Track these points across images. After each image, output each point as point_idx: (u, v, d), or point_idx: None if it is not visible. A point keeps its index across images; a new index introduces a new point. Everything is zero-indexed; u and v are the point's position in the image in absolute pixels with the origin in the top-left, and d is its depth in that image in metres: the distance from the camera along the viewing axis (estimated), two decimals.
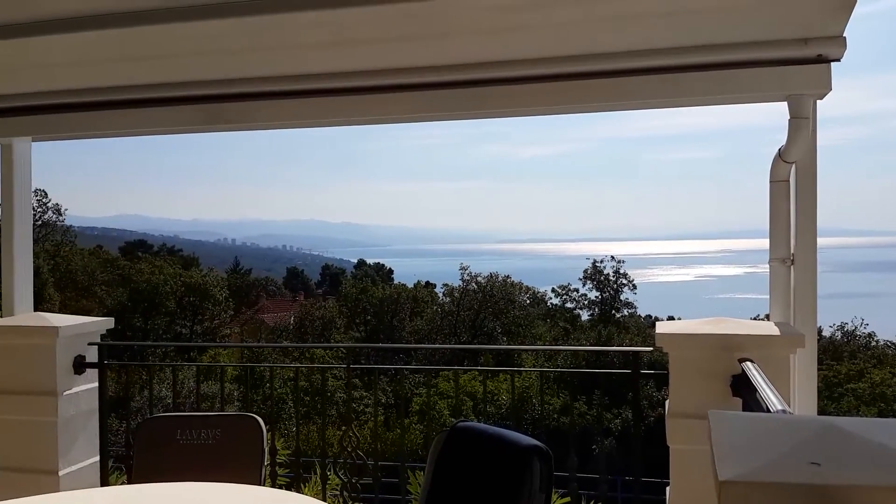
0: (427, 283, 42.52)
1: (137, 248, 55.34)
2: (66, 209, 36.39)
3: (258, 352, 21.99)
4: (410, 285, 40.31)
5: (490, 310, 33.68)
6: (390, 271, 62.97)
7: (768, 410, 2.39)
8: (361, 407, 23.23)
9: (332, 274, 70.70)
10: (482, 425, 2.91)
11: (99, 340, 4.18)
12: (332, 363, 21.85)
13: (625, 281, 39.05)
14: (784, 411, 2.31)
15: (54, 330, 3.88)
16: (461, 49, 3.47)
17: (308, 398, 22.90)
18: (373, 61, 3.68)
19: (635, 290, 39.49)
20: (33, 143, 4.52)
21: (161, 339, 31.45)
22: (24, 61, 3.88)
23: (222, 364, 7.92)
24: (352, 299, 36.54)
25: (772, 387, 2.59)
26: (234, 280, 44.33)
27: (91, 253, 39.62)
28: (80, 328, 4.06)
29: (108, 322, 4.29)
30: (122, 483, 5.25)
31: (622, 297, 38.97)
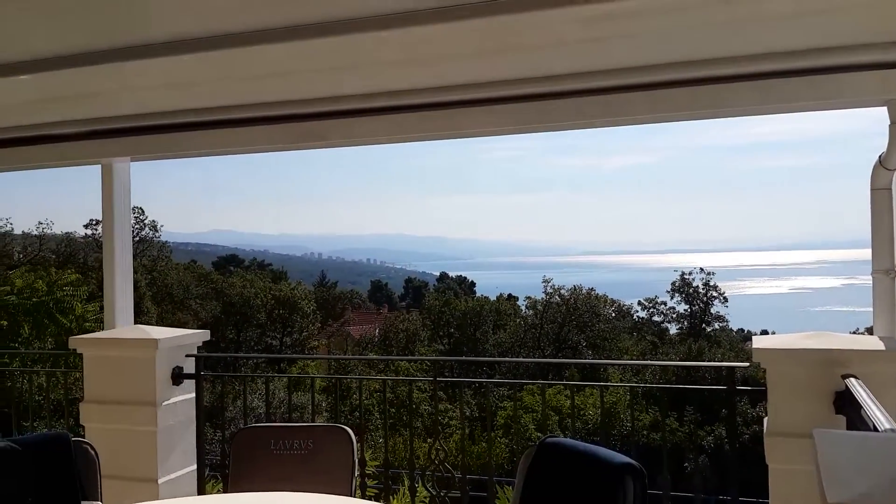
0: (509, 295, 42.34)
1: (229, 262, 57.24)
2: (162, 225, 37.93)
3: (345, 363, 22.32)
4: (493, 298, 40.22)
5: (574, 323, 33.23)
6: (472, 284, 63.01)
7: (875, 429, 2.26)
8: (446, 419, 23.25)
9: (415, 287, 71.30)
10: (572, 441, 2.85)
11: (195, 352, 4.32)
12: (418, 375, 21.99)
13: (715, 293, 37.94)
14: (894, 430, 2.18)
15: (154, 342, 4.03)
16: (554, 60, 3.44)
17: (394, 410, 23.06)
18: (461, 75, 3.70)
19: (726, 303, 38.28)
20: (132, 163, 4.72)
21: (253, 350, 32.36)
22: (121, 84, 4.07)
23: (312, 375, 8.06)
24: (435, 312, 36.73)
25: (878, 404, 2.45)
26: (320, 293, 45.23)
27: (186, 267, 41.21)
28: (178, 340, 4.21)
29: (203, 334, 4.43)
30: (218, 491, 5.40)
31: (712, 311, 37.86)
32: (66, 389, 6.89)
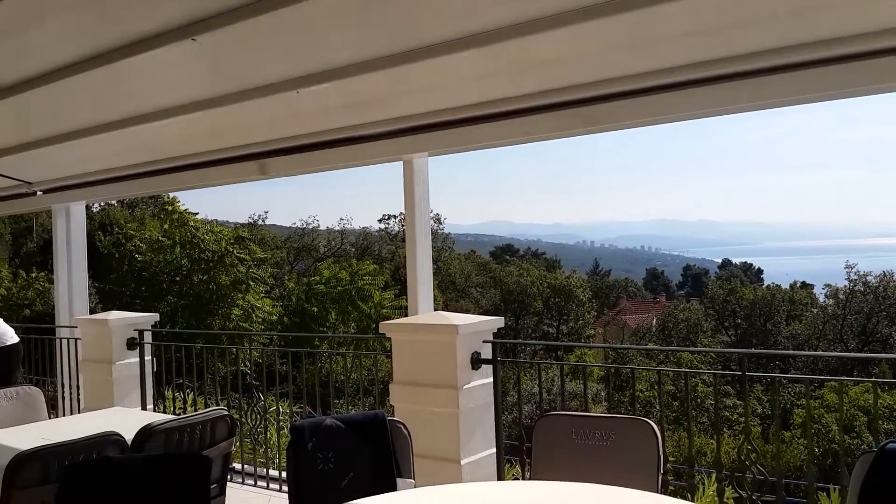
0: (803, 283, 38.83)
1: (505, 252, 59.12)
2: (444, 218, 40.19)
3: (622, 353, 21.91)
4: (783, 286, 37.14)
5: (885, 313, 29.54)
6: (759, 271, 58.76)
7: None
8: (735, 416, 21.91)
9: (693, 275, 68.21)
10: None
11: (491, 338, 4.43)
12: (701, 368, 20.97)
13: None
14: None
15: (454, 328, 4.19)
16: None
17: (676, 403, 22.21)
18: (746, 43, 3.39)
19: None
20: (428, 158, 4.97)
21: (530, 337, 33.09)
22: (419, 84, 4.29)
23: (591, 364, 7.97)
24: (719, 301, 34.79)
25: None
26: (594, 282, 45.02)
27: (466, 257, 43.29)
28: (475, 326, 4.34)
29: (498, 321, 4.53)
30: (514, 475, 5.53)
31: None
32: (367, 371, 7.51)
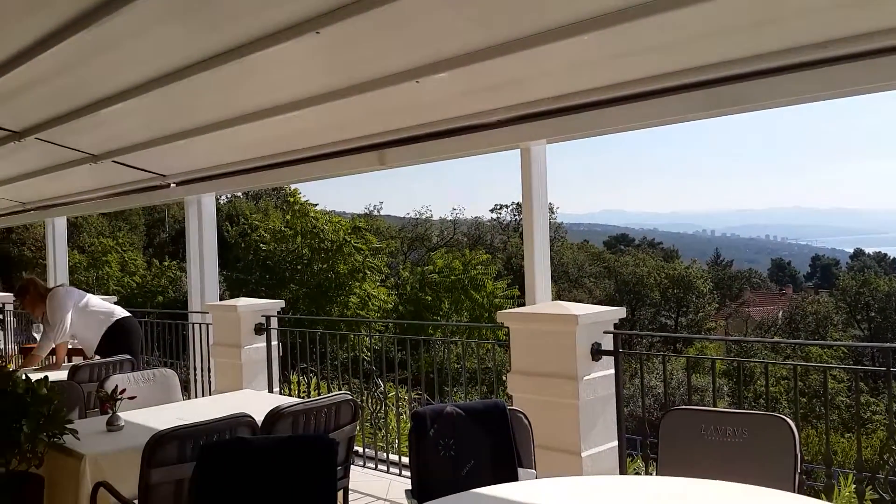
0: None
1: (620, 241, 57.92)
2: (557, 207, 39.79)
3: (746, 346, 21.06)
4: None
5: None
6: (895, 261, 54.98)
7: None
8: (868, 414, 20.65)
9: (823, 265, 64.64)
10: None
11: (612, 329, 4.33)
12: (832, 363, 19.85)
13: None
14: None
15: (574, 318, 4.12)
16: None
17: (805, 399, 21.14)
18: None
19: None
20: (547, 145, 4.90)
21: (646, 329, 32.33)
22: (537, 70, 4.22)
23: (722, 358, 7.67)
24: (851, 294, 32.82)
25: None
26: (715, 272, 43.42)
27: (579, 247, 42.71)
28: (596, 317, 4.25)
29: (619, 311, 4.42)
30: (636, 470, 5.41)
31: None
32: (479, 359, 7.52)
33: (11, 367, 3.69)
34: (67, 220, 10.42)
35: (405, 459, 5.54)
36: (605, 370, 4.29)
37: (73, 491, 3.39)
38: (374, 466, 5.60)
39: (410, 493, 3.17)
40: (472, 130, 4.89)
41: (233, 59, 4.19)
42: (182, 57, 4.47)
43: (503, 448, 3.30)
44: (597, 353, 4.22)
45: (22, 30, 4.28)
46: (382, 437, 5.88)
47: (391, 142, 5.42)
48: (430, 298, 24.84)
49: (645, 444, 4.43)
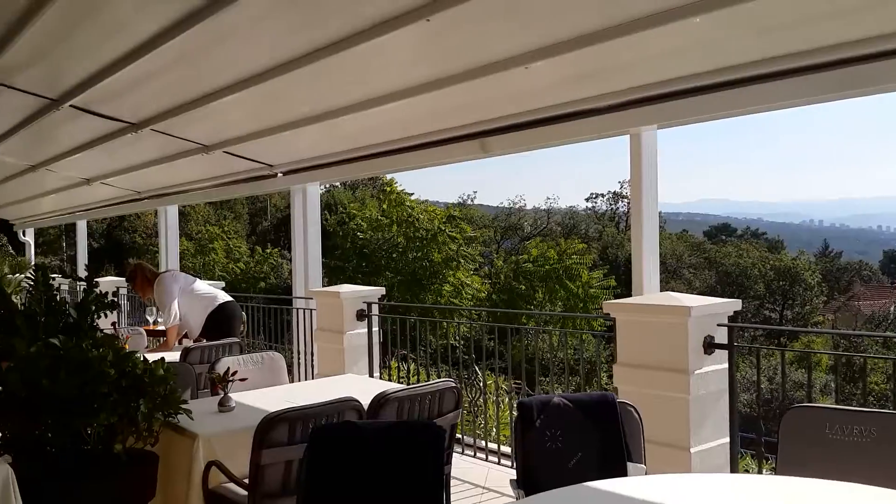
0: None
1: (721, 231, 56.01)
2: None
3: (855, 342, 20.03)
4: None
5: None
6: None
7: None
8: None
9: None
10: None
11: (726, 322, 4.16)
12: None
13: None
14: None
15: (686, 310, 3.97)
16: None
17: None
18: None
19: None
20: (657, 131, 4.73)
21: (748, 321, 31.20)
22: (647, 53, 4.08)
23: (821, 352, 7.29)
24: None
25: None
26: (823, 264, 41.43)
27: (678, 237, 41.56)
28: (709, 309, 4.09)
29: (734, 304, 4.24)
30: (745, 468, 5.20)
31: None
32: (573, 350, 7.40)
33: (127, 347, 3.84)
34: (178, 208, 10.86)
35: (504, 448, 5.51)
36: (718, 364, 4.13)
37: (187, 469, 3.52)
38: (472, 454, 5.60)
39: (516, 483, 3.13)
40: (578, 116, 4.77)
41: (340, 51, 4.23)
42: (289, 49, 4.54)
43: (612, 442, 3.21)
44: (709, 346, 4.06)
45: (139, 25, 4.45)
46: (480, 424, 5.87)
47: (494, 129, 5.36)
48: (523, 288, 24.70)
49: (758, 441, 4.25)
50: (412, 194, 25.39)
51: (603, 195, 45.62)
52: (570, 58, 3.96)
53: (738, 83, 4.07)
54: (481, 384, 5.86)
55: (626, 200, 43.92)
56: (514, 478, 3.19)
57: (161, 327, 6.55)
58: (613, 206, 44.97)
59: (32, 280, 4.09)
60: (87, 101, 5.94)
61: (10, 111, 6.59)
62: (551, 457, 3.16)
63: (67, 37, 4.84)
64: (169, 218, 10.37)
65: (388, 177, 25.47)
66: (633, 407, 3.31)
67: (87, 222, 14.36)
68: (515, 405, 3.28)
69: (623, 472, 3.12)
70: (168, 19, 4.26)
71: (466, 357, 7.57)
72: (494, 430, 6.22)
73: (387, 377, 6.89)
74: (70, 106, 5.96)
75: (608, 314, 4.46)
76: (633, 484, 2.74)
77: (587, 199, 46.67)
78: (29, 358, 3.36)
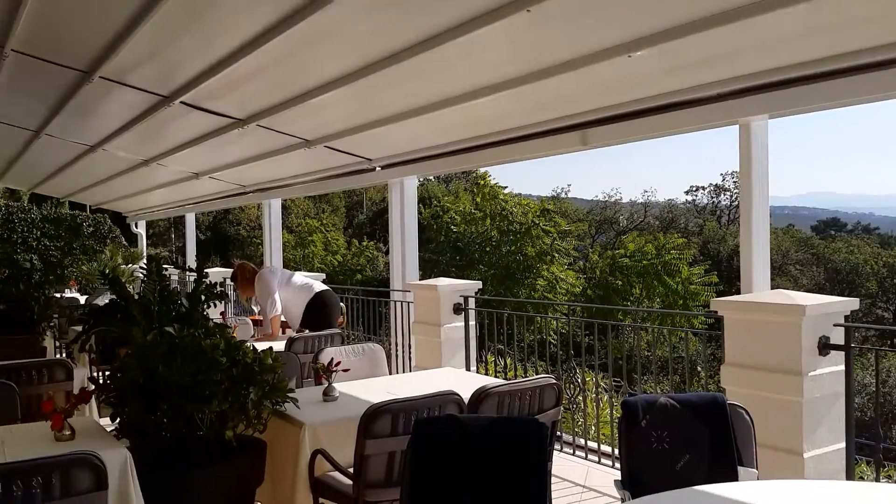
0: None
1: (830, 226, 53.37)
2: None
3: None
4: None
5: None
6: None
7: None
8: None
9: None
10: None
11: (843, 322, 3.94)
12: None
13: None
14: None
15: (800, 308, 3.79)
16: None
17: None
18: None
19: None
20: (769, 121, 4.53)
21: (860, 321, 29.66)
22: (757, 40, 3.90)
23: None
24: None
25: None
26: None
27: (784, 232, 39.87)
28: (825, 308, 3.88)
29: (851, 303, 4.01)
30: (860, 475, 4.93)
31: None
32: (672, 348, 7.18)
33: (236, 336, 3.97)
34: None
35: (604, 447, 5.41)
36: (833, 366, 3.92)
37: (293, 457, 3.60)
38: (570, 452, 5.52)
39: (621, 484, 3.07)
40: (684, 106, 4.62)
41: (439, 44, 4.24)
42: (388, 44, 4.58)
43: (722, 444, 3.10)
44: (825, 347, 3.86)
45: (244, 24, 4.59)
46: (578, 423, 5.78)
47: (595, 121, 5.26)
48: (620, 283, 24.23)
49: (874, 447, 4.01)
50: (506, 188, 25.32)
51: (704, 188, 44.23)
52: (676, 45, 3.84)
53: (856, 70, 3.85)
54: (580, 381, 5.77)
55: (728, 193, 42.46)
56: (618, 478, 3.13)
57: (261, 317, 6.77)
58: (715, 200, 43.54)
59: (145, 270, 4.29)
60: (196, 97, 6.18)
61: (125, 108, 6.93)
62: (657, 458, 3.08)
63: (177, 37, 5.05)
64: (273, 211, 10.69)
65: (482, 170, 25.44)
66: (744, 409, 3.19)
67: (195, 215, 14.96)
68: (619, 404, 3.21)
69: (733, 477, 3.01)
70: (271, 18, 4.38)
71: (561, 353, 7.47)
72: (593, 427, 6.12)
73: (483, 371, 6.88)
74: (180, 102, 6.21)
75: (714, 311, 4.30)
76: (746, 489, 2.63)
77: (687, 192, 45.35)
78: (146, 346, 3.52)
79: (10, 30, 5.09)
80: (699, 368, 15.03)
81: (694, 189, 44.90)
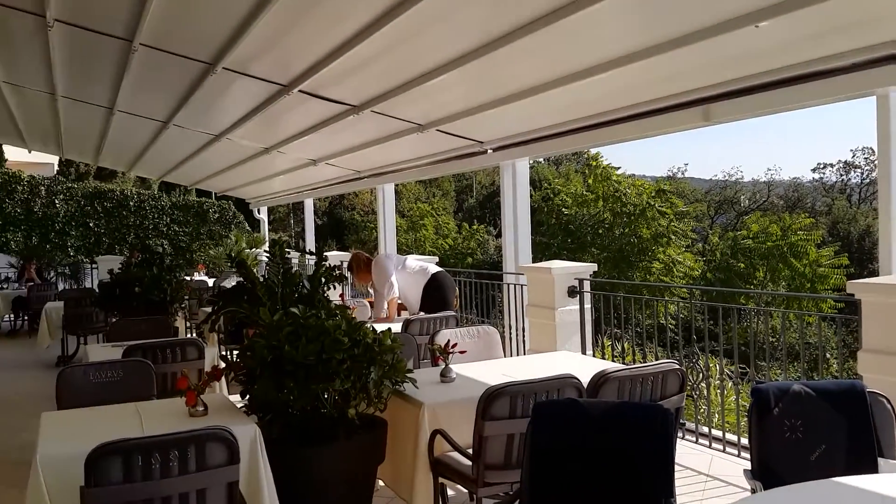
0: None
1: None
2: None
3: None
4: None
5: None
6: None
7: None
8: None
9: None
10: None
11: None
12: None
13: None
14: None
15: None
16: None
17: None
18: None
19: None
20: None
21: None
22: (893, 7, 3.62)
23: None
24: None
25: None
26: None
27: None
28: None
29: None
30: None
31: None
32: (800, 333, 6.80)
33: (356, 318, 4.05)
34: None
35: (729, 436, 5.22)
36: None
37: (413, 436, 3.66)
38: (693, 440, 5.36)
39: (751, 474, 2.94)
40: (815, 77, 4.35)
41: (551, 23, 4.15)
42: (499, 25, 4.53)
43: (861, 434, 2.93)
44: None
45: (356, 13, 4.65)
46: (701, 410, 5.59)
47: (718, 95, 5.03)
48: (742, 266, 23.24)
49: None
50: (619, 168, 24.74)
51: (832, 165, 41.80)
52: (808, 13, 3.60)
53: None
54: (703, 367, 5.58)
55: (859, 171, 39.97)
56: (747, 468, 3.01)
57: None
58: (845, 177, 41.07)
59: (269, 254, 4.45)
60: (314, 86, 6.34)
61: (248, 97, 7.20)
62: (791, 448, 2.94)
63: (293, 27, 5.18)
64: (386, 196, 10.88)
65: (594, 151, 24.95)
66: (886, 397, 2.99)
67: (313, 200, 15.43)
68: (750, 391, 3.07)
69: (873, 469, 2.83)
70: (383, 5, 4.41)
71: (678, 338, 7.25)
72: (717, 415, 5.91)
73: (599, 356, 6.77)
74: (299, 91, 6.38)
75: (851, 294, 4.05)
76: (888, 481, 2.47)
77: (814, 170, 42.98)
78: (273, 326, 3.66)
79: (138, 25, 5.37)
80: (828, 355, 14.26)
81: (822, 166, 42.54)
